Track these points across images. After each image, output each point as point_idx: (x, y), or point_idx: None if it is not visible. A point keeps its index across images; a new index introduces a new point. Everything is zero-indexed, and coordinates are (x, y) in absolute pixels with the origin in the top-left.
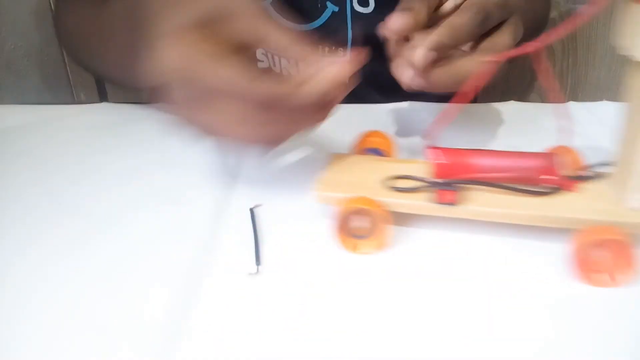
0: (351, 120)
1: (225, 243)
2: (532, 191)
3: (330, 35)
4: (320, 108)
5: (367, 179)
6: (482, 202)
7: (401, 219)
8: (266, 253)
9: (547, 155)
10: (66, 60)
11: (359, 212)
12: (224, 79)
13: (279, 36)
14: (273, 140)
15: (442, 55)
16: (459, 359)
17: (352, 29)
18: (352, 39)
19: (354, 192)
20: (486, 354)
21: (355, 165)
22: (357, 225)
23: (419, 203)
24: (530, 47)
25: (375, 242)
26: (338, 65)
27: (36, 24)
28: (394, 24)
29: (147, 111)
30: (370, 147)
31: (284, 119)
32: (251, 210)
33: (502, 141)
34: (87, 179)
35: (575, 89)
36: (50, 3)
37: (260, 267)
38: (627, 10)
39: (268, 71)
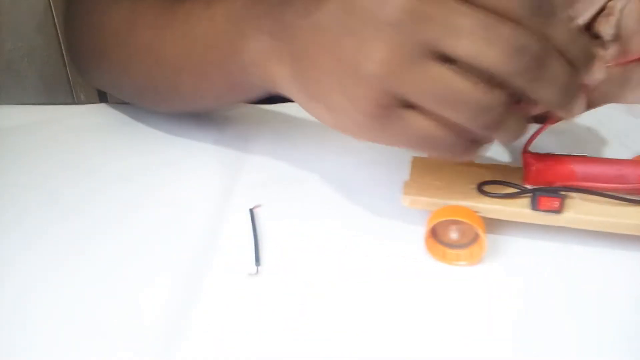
0: None
1: (225, 243)
2: (635, 200)
3: None
4: None
5: (454, 183)
6: (584, 210)
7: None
8: (266, 254)
9: None
10: (66, 61)
11: (455, 223)
12: (469, 18)
13: None
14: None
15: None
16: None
17: None
18: None
19: (444, 197)
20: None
21: (440, 169)
22: (452, 236)
23: (517, 210)
24: None
25: (473, 252)
26: None
27: (36, 25)
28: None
29: (147, 112)
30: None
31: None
32: (251, 210)
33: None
34: (87, 179)
35: None
36: (50, 3)
37: (260, 267)
38: None
39: None
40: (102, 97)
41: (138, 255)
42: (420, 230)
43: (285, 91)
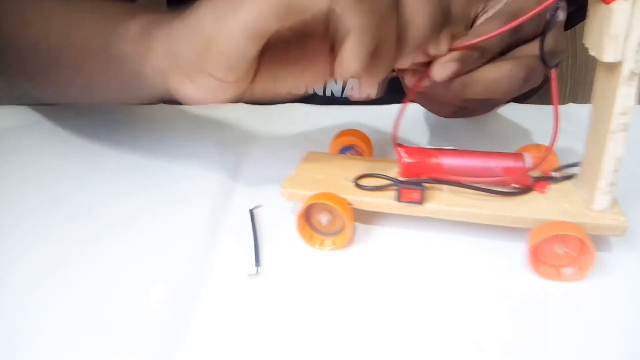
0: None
1: (225, 244)
2: (497, 191)
3: None
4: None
5: (335, 176)
6: (446, 201)
7: (375, 217)
8: (266, 254)
9: (516, 156)
10: None
11: (322, 208)
12: None
13: None
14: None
15: (467, 65)
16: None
17: None
18: None
19: (320, 190)
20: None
21: (327, 164)
22: (323, 222)
23: (383, 201)
24: None
25: (339, 239)
26: None
27: None
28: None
29: (147, 112)
30: (346, 146)
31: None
32: (251, 211)
33: (502, 143)
34: (86, 180)
35: (575, 90)
36: None
37: (259, 268)
38: (593, 10)
39: None
40: None
41: (136, 256)
42: (417, 234)
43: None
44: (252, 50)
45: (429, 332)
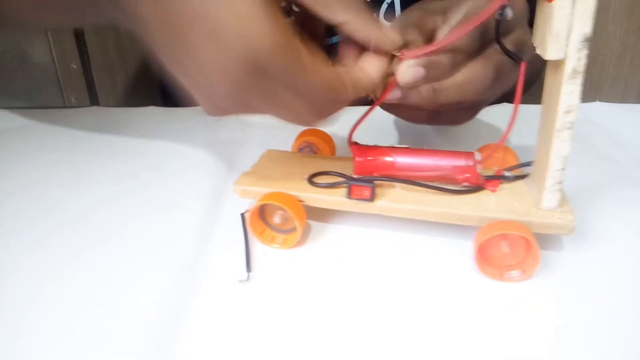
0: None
1: (216, 249)
2: (447, 189)
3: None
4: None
5: (290, 174)
6: (396, 198)
7: (330, 215)
8: (257, 258)
9: (467, 155)
10: (56, 64)
11: (275, 207)
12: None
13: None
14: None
15: (435, 73)
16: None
17: None
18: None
19: (273, 187)
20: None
21: (284, 161)
22: (277, 220)
23: (335, 198)
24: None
25: (292, 237)
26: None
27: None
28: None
29: (139, 115)
30: (307, 144)
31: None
32: (242, 215)
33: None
34: (77, 183)
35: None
36: None
37: (250, 273)
38: (538, 9)
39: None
40: (94, 99)
41: (127, 260)
42: (405, 237)
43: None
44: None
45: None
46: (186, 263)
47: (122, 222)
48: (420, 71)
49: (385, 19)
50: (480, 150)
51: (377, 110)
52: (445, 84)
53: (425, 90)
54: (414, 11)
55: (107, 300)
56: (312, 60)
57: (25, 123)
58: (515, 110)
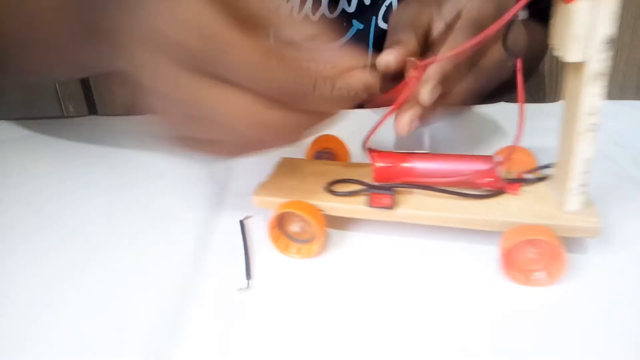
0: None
1: (216, 257)
2: (469, 194)
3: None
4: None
5: (308, 183)
6: (417, 205)
7: (350, 223)
8: (257, 266)
9: (488, 158)
10: None
11: (294, 216)
12: (249, 57)
13: (300, 23)
14: (279, 143)
15: (448, 86)
16: None
17: (373, 46)
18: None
19: (292, 197)
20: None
21: (300, 170)
22: (296, 229)
23: (355, 207)
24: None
25: (312, 246)
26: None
27: None
28: (385, 60)
29: (136, 124)
30: (322, 151)
31: (298, 119)
32: (241, 222)
33: (492, 143)
34: (76, 193)
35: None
36: None
37: (250, 281)
38: (556, 10)
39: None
40: (91, 109)
41: (126, 270)
42: (423, 243)
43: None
44: None
45: (404, 337)
46: (186, 272)
47: (121, 231)
48: (438, 90)
49: (384, 20)
50: (498, 153)
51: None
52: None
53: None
54: (410, 5)
55: (106, 310)
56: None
57: (23, 134)
58: (522, 110)
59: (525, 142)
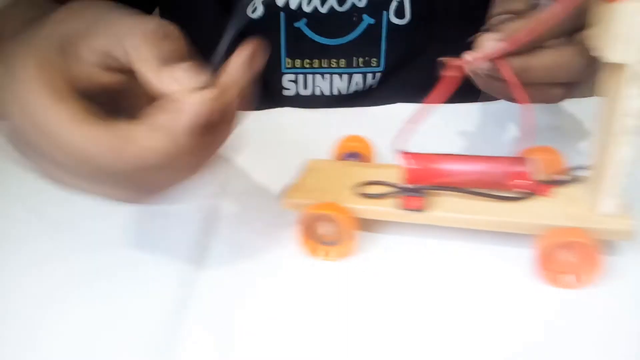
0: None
1: (215, 255)
2: (501, 196)
3: (363, 48)
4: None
5: (338, 185)
6: (448, 208)
7: (379, 225)
8: (263, 266)
9: (520, 160)
10: None
11: (324, 218)
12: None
13: (139, 42)
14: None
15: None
16: None
17: (386, 41)
18: (386, 52)
19: (323, 199)
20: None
21: (329, 172)
22: (325, 231)
23: (386, 209)
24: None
25: (342, 248)
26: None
27: None
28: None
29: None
30: (349, 152)
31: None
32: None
33: (495, 141)
34: (76, 194)
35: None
36: None
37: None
38: (597, 10)
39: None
40: None
41: (126, 267)
42: (423, 242)
43: None
44: None
45: (436, 340)
46: (185, 270)
47: (120, 229)
48: (501, 45)
49: (395, 15)
50: (525, 153)
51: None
52: (534, 65)
53: (515, 68)
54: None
55: (105, 307)
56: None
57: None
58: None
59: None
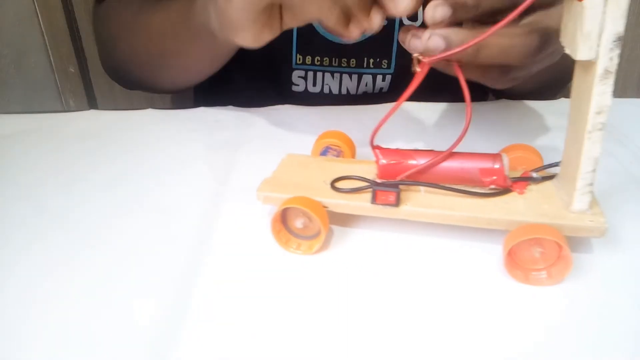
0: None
1: (214, 252)
2: (474, 192)
3: (374, 49)
4: None
5: (313, 179)
6: (422, 203)
7: (353, 219)
8: (257, 258)
9: (495, 157)
10: (54, 67)
11: (297, 212)
12: None
13: None
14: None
15: (462, 13)
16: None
17: (398, 43)
18: (397, 54)
19: (296, 193)
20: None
21: (305, 166)
22: (298, 225)
23: (359, 204)
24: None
25: (315, 242)
26: None
27: (22, 31)
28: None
29: (137, 117)
30: (327, 147)
31: None
32: None
33: (493, 140)
34: (76, 187)
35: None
36: (36, 9)
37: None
38: (567, 7)
39: None
40: (92, 103)
41: (126, 263)
42: (396, 237)
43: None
44: None
45: (409, 335)
46: (185, 266)
47: (120, 226)
48: (445, 10)
49: (408, 18)
50: (503, 150)
51: (397, 111)
52: (488, 44)
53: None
54: None
55: (105, 305)
56: None
57: (23, 127)
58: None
59: (531, 140)
